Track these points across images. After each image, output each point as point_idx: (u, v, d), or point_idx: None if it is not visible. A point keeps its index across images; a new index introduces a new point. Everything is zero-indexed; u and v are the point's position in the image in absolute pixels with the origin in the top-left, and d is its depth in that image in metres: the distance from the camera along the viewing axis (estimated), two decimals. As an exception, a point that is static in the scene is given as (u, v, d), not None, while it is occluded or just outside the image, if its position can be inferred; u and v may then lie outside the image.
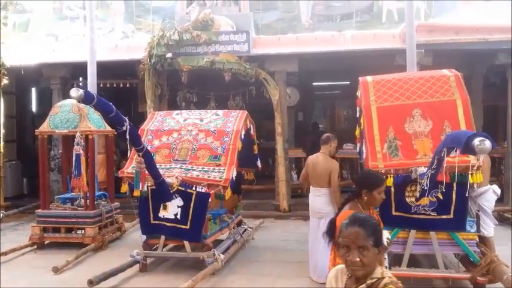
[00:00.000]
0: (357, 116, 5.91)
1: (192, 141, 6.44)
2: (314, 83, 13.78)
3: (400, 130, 4.99)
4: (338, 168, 5.67)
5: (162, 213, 5.99)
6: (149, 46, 9.67)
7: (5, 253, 6.76)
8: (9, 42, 10.50)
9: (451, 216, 4.84)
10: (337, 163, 5.73)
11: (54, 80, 10.95)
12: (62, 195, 7.96)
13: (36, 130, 7.74)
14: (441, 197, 4.77)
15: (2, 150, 10.42)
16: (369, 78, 5.59)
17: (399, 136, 4.96)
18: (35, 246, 7.37)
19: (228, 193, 5.97)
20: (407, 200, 4.88)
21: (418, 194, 4.72)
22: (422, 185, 4.46)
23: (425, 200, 4.77)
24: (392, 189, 4.85)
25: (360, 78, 5.70)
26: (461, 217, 4.84)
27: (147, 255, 6.16)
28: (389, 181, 4.77)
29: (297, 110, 12.84)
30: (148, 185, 5.67)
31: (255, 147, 7.58)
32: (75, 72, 11.01)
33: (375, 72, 6.00)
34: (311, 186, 5.80)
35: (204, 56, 9.70)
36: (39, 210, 7.61)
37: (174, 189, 5.82)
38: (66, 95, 9.74)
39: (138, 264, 6.08)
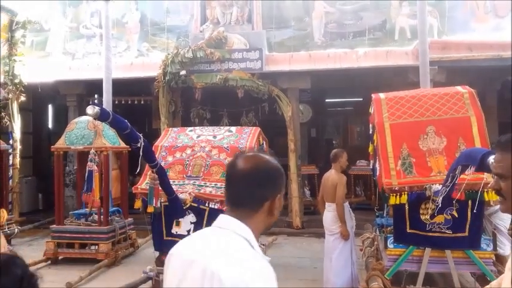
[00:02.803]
0: (370, 132, 5.90)
1: (205, 157, 6.47)
2: (327, 100, 13.81)
3: (414, 147, 4.96)
4: (344, 182, 5.65)
5: (175, 230, 6.00)
6: (164, 64, 9.84)
7: (20, 268, 6.81)
8: (27, 60, 10.74)
9: (466, 234, 4.78)
10: (343, 176, 5.71)
11: (70, 97, 11.18)
12: (77, 211, 8.03)
13: (52, 146, 7.85)
14: (456, 215, 4.71)
15: (18, 166, 10.57)
16: (382, 95, 5.60)
17: (413, 153, 4.93)
18: (49, 262, 7.42)
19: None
20: (422, 217, 4.83)
21: (432, 212, 4.68)
22: (437, 203, 4.41)
23: (440, 218, 4.72)
24: (406, 206, 4.82)
25: (373, 95, 5.70)
26: (476, 235, 4.78)
27: (160, 272, 6.15)
28: (404, 198, 4.74)
29: (310, 126, 12.85)
30: (162, 201, 5.69)
31: (268, 163, 7.57)
32: (90, 89, 11.19)
33: (387, 89, 6.01)
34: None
35: (218, 73, 9.82)
36: (54, 225, 7.69)
37: (187, 206, 5.83)
38: (82, 112, 9.90)
39: (150, 281, 6.07)
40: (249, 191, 1.45)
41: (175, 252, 1.48)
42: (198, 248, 1.42)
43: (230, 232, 1.42)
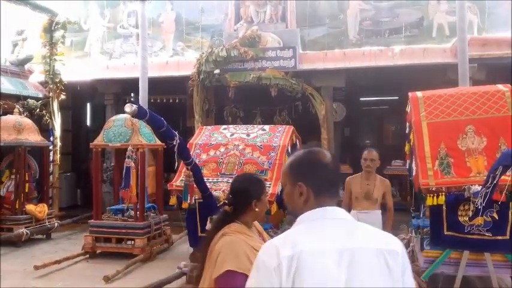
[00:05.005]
0: (406, 131, 5.80)
1: (239, 155, 6.50)
2: (361, 98, 13.63)
3: (452, 147, 4.84)
4: (345, 186, 5.50)
5: (209, 226, 6.06)
6: (198, 63, 9.94)
7: (59, 261, 7.04)
8: (67, 60, 11.07)
9: (507, 237, 4.63)
10: (347, 179, 5.55)
11: (107, 96, 11.48)
12: (113, 207, 8.22)
13: (90, 143, 8.07)
14: (496, 217, 4.57)
15: (58, 162, 10.92)
16: (419, 94, 5.48)
17: (451, 153, 4.81)
18: (87, 255, 7.63)
19: (274, 208, 5.97)
20: (460, 219, 4.71)
21: (471, 213, 4.56)
22: (477, 204, 4.30)
23: (479, 220, 4.59)
24: (444, 207, 4.71)
25: (410, 94, 5.59)
26: (518, 238, 4.62)
27: (194, 268, 6.22)
28: (441, 199, 4.64)
29: (344, 125, 12.71)
30: (196, 198, 5.76)
31: (301, 162, 7.54)
32: (127, 88, 11.44)
33: (425, 87, 5.88)
34: None
35: (251, 71, 9.84)
36: (92, 220, 7.90)
37: (221, 203, 5.87)
38: (119, 110, 10.13)
39: (184, 276, 6.17)
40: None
41: (309, 249, 1.44)
42: (343, 238, 1.49)
43: (351, 220, 1.59)
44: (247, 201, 2.57)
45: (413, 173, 5.16)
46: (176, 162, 5.46)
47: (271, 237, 6.36)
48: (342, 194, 5.58)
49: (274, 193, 5.90)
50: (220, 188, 6.01)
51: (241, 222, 2.56)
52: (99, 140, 7.89)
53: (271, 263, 1.43)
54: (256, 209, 2.58)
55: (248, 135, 6.85)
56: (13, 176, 9.04)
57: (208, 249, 2.48)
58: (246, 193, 2.60)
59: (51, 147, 10.41)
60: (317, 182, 1.59)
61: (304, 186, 1.58)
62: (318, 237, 1.49)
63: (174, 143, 4.62)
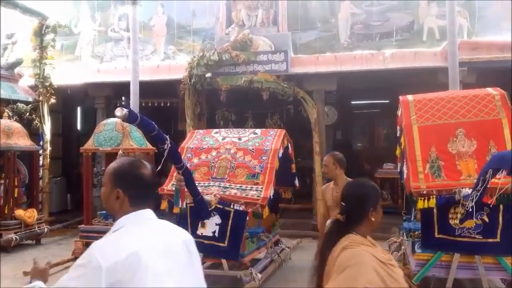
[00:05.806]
0: (398, 135, 5.82)
1: (231, 159, 6.49)
2: (353, 102, 13.68)
3: (443, 150, 4.86)
4: (321, 196, 5.33)
5: (200, 231, 6.03)
6: (189, 66, 9.92)
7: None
8: (57, 64, 10.99)
9: (498, 239, 4.65)
10: (323, 188, 5.32)
11: (98, 100, 11.39)
12: (104, 211, 8.15)
13: (81, 148, 8.00)
14: (487, 220, 4.60)
15: (48, 166, 10.82)
16: (410, 97, 5.50)
17: (442, 156, 4.83)
18: (78, 261, 7.55)
19: (266, 212, 5.95)
20: (451, 222, 4.73)
21: (462, 216, 4.57)
22: (467, 207, 4.31)
23: (470, 223, 4.61)
24: (435, 210, 4.72)
25: (401, 97, 5.61)
26: (508, 241, 4.64)
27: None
28: (432, 202, 4.65)
29: (335, 128, 12.74)
30: (187, 202, 5.72)
31: (293, 166, 7.56)
32: (118, 91, 11.38)
33: (415, 90, 5.91)
34: None
35: (243, 75, 9.84)
36: (82, 225, 7.83)
37: (213, 207, 5.85)
38: (110, 114, 10.08)
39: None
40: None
41: (141, 248, 1.70)
42: (161, 235, 1.84)
43: (157, 219, 1.92)
44: (365, 210, 2.31)
45: (405, 176, 5.16)
46: (159, 166, 5.41)
47: (263, 240, 6.29)
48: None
49: (266, 197, 5.89)
50: (211, 192, 5.99)
51: (357, 233, 2.28)
52: (90, 144, 7.84)
53: (106, 261, 1.64)
54: (372, 219, 2.32)
55: (240, 139, 6.84)
56: (2, 181, 8.94)
57: (325, 265, 2.25)
58: (363, 201, 2.33)
59: (41, 152, 10.31)
60: (134, 191, 1.85)
61: (121, 192, 1.84)
62: (145, 237, 1.76)
63: (165, 147, 4.59)
